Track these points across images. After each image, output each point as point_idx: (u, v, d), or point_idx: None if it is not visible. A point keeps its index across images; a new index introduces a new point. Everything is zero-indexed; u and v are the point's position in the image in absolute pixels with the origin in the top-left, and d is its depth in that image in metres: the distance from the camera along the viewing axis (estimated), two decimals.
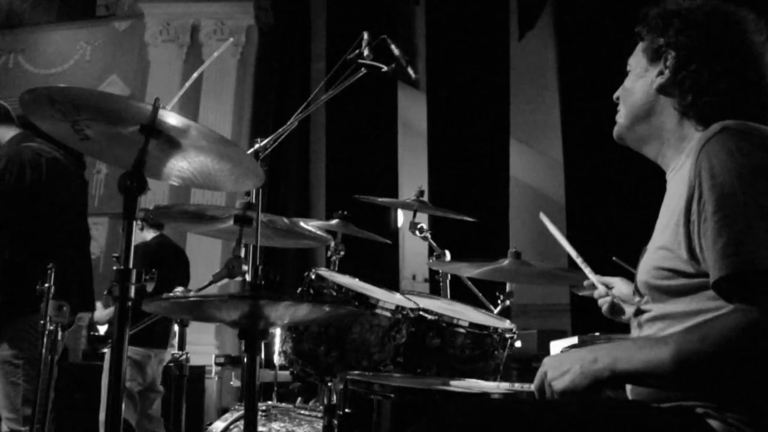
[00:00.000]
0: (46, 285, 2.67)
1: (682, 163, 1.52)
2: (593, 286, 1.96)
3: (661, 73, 1.59)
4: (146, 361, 4.66)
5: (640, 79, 1.64)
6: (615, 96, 1.73)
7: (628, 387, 1.56)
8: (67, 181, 3.33)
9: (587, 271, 1.98)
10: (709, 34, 1.55)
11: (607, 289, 1.93)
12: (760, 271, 1.26)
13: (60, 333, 2.64)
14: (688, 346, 1.30)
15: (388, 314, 2.25)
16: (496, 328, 2.38)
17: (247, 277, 2.11)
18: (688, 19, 1.57)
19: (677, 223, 1.42)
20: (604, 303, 1.93)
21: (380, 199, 3.44)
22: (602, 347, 1.44)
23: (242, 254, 2.19)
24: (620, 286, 1.92)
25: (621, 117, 1.70)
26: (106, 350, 5.83)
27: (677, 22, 1.57)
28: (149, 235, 4.94)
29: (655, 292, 1.50)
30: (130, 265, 1.60)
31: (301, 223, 2.68)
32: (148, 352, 4.64)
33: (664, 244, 1.46)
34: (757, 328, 1.25)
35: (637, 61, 1.67)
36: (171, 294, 2.92)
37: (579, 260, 2.00)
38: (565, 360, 1.45)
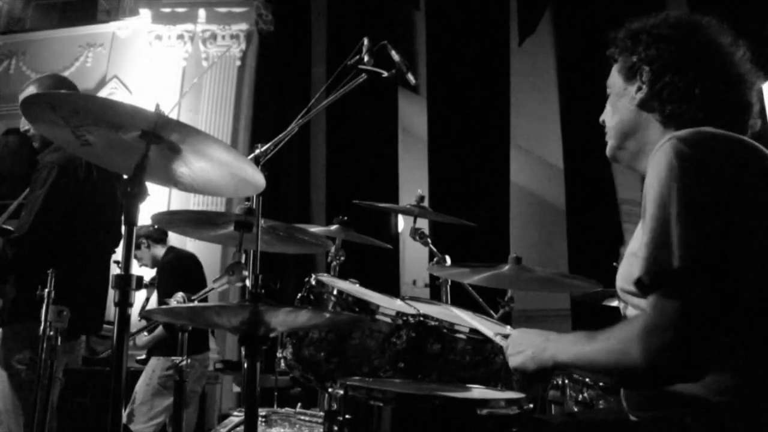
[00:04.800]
0: (46, 290, 2.67)
1: None
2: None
3: (639, 89, 1.64)
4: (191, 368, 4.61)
5: (621, 99, 1.70)
6: (601, 119, 1.79)
7: (622, 394, 1.59)
8: (105, 185, 3.30)
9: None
10: (678, 43, 1.60)
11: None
12: (669, 272, 1.30)
13: (59, 338, 2.64)
14: (604, 344, 1.39)
15: (389, 320, 2.25)
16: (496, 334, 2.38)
17: (248, 283, 2.10)
18: (655, 34, 1.63)
19: (640, 229, 1.47)
20: None
21: (380, 205, 3.43)
22: (553, 338, 1.56)
23: (242, 260, 2.19)
24: None
25: (610, 138, 1.75)
26: (103, 355, 5.83)
27: (645, 37, 1.63)
28: (159, 251, 4.91)
29: (629, 297, 1.54)
30: (131, 271, 1.59)
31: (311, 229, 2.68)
32: (192, 361, 4.61)
33: (633, 251, 1.51)
34: (654, 331, 1.29)
35: (614, 82, 1.73)
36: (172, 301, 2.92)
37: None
38: (525, 340, 1.63)
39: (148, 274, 5.05)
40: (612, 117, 1.73)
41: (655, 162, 1.41)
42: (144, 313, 3.64)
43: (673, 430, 1.42)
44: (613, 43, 1.72)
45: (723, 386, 1.36)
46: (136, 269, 5.05)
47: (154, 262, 4.91)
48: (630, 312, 1.56)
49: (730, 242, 1.30)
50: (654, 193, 1.37)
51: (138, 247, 4.84)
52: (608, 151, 1.77)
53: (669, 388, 1.43)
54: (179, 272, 4.75)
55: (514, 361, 1.65)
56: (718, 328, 1.28)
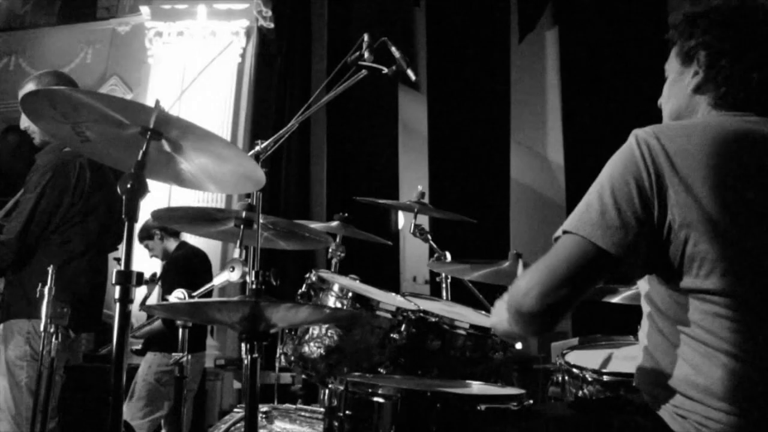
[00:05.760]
0: (47, 287, 2.67)
1: None
2: None
3: (696, 73, 1.63)
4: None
5: (676, 84, 1.69)
6: (659, 103, 1.79)
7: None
8: (101, 187, 3.29)
9: None
10: (736, 29, 1.59)
11: None
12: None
13: (60, 335, 2.64)
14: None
15: (389, 316, 2.26)
16: None
17: (248, 279, 2.10)
18: (714, 19, 1.62)
19: None
20: None
21: (381, 201, 3.43)
22: None
23: (243, 256, 2.19)
24: None
25: (664, 121, 1.75)
26: (104, 351, 5.83)
27: (703, 22, 1.63)
28: (172, 244, 4.89)
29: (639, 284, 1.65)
30: (132, 267, 1.59)
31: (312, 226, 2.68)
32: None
33: None
34: (534, 289, 1.45)
35: (671, 66, 1.72)
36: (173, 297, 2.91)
37: None
38: (501, 306, 1.68)
39: (152, 268, 5.05)
40: (668, 102, 1.73)
41: None
42: (145, 309, 3.64)
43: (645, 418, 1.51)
44: (673, 27, 1.71)
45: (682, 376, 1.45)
46: (146, 261, 5.05)
47: (165, 255, 4.88)
48: (642, 300, 1.61)
49: (614, 220, 1.44)
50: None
51: (151, 237, 4.83)
52: None
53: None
54: (186, 268, 4.72)
55: (489, 321, 1.76)
56: (570, 289, 1.44)
